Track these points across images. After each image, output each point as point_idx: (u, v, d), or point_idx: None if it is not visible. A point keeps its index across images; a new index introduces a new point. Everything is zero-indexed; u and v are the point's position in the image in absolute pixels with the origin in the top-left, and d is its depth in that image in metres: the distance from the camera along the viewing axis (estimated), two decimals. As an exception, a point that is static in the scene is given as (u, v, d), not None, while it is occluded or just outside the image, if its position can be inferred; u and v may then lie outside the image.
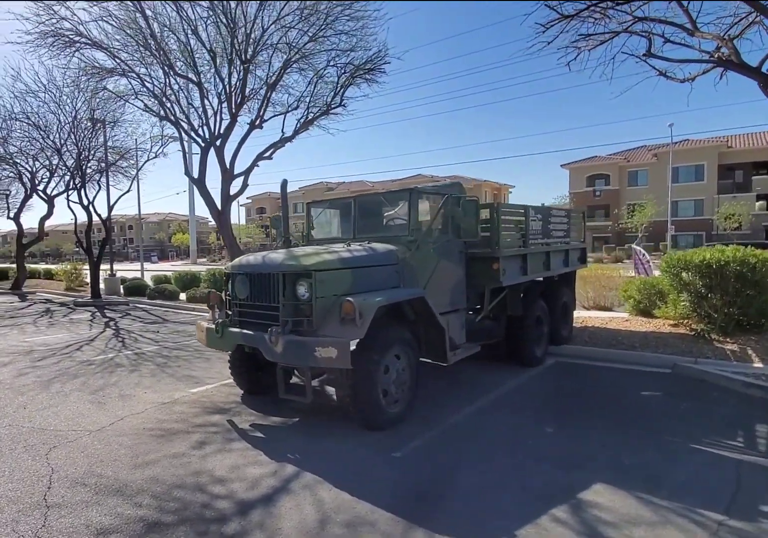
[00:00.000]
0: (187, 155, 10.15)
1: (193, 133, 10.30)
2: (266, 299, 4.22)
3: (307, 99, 10.63)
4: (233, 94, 9.30)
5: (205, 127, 9.61)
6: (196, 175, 10.40)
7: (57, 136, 13.45)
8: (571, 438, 3.91)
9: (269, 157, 11.49)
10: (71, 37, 7.57)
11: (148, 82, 9.05)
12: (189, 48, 8.33)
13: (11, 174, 18.57)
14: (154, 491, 3.08)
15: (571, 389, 5.30)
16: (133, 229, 75.78)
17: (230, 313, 4.66)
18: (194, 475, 3.31)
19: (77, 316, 12.18)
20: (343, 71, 10.22)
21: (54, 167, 15.49)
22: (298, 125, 10.69)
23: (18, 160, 16.59)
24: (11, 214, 19.86)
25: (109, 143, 13.72)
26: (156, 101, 9.29)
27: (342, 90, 10.62)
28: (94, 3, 7.20)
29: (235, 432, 4.13)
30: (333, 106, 10.73)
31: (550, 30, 6.45)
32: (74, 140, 13.19)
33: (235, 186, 10.69)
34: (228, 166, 10.03)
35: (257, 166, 11.06)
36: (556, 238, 7.37)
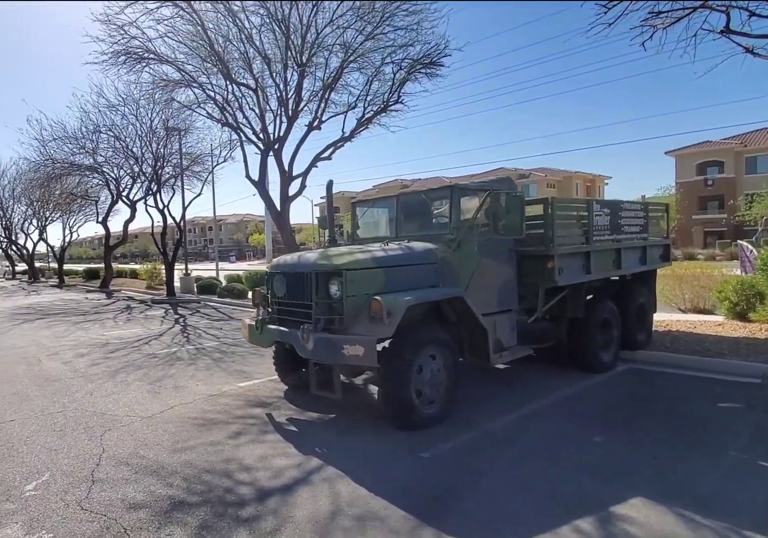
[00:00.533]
0: (247, 159, 10.95)
1: (254, 137, 11.05)
2: (301, 297, 4.48)
3: (366, 98, 10.94)
4: (290, 97, 9.86)
5: (263, 132, 10.26)
6: (256, 177, 11.16)
7: (136, 145, 15.16)
8: (619, 449, 3.70)
9: (328, 158, 11.98)
10: (140, 54, 8.56)
11: (210, 91, 9.95)
12: (247, 56, 8.98)
13: (100, 182, 21.07)
14: (185, 474, 3.42)
15: (636, 398, 4.99)
16: (213, 231, 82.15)
17: (270, 311, 4.99)
18: (224, 462, 3.62)
19: (152, 312, 13.56)
20: (399, 67, 10.38)
21: (135, 174, 17.38)
22: (356, 125, 11.03)
23: (105, 169, 18.77)
24: (100, 219, 22.58)
25: (183, 150, 15.17)
26: (217, 109, 10.15)
27: (399, 87, 10.79)
28: (160, 19, 8.10)
29: (271, 425, 4.42)
30: (390, 103, 10.93)
31: (613, 10, 6.05)
32: (150, 149, 14.75)
33: (295, 187, 11.30)
34: (287, 168, 10.63)
35: (316, 166, 11.60)
36: (630, 234, 6.92)
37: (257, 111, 10.16)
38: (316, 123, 10.71)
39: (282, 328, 4.57)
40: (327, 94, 10.39)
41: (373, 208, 6.18)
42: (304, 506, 2.96)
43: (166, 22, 8.11)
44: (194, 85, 9.65)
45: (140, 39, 8.34)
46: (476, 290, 5.01)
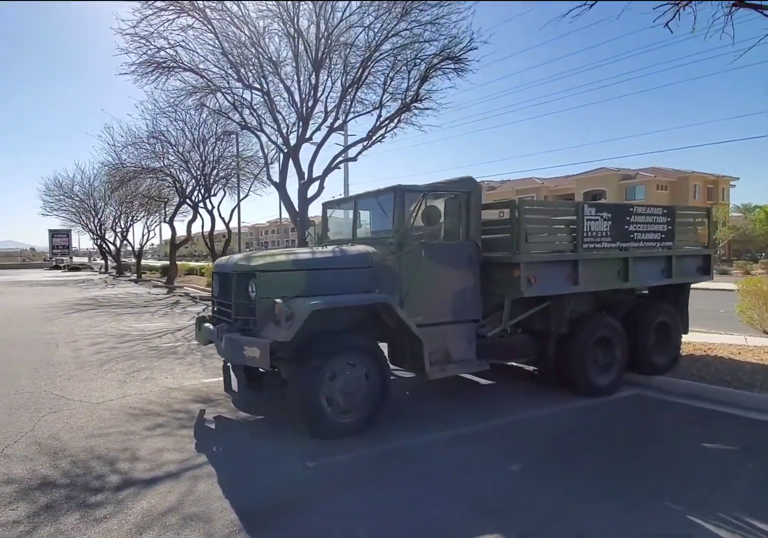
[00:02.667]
0: (268, 161, 11.47)
1: (280, 138, 11.57)
2: (227, 297, 4.66)
3: (382, 96, 11.02)
4: (304, 100, 10.21)
5: (278, 135, 10.73)
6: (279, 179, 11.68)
7: (186, 149, 16.57)
8: (528, 484, 3.39)
9: (353, 159, 12.21)
10: (164, 63, 9.37)
11: (230, 95, 10.59)
12: (260, 59, 9.47)
13: (169, 184, 23.17)
14: (78, 458, 3.73)
15: (610, 430, 4.49)
16: (275, 232, 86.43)
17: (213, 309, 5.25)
18: (121, 451, 3.89)
19: (193, 308, 14.64)
20: (416, 64, 10.34)
21: (195, 177, 18.93)
22: (377, 124, 11.14)
23: (169, 172, 20.59)
24: (167, 219, 24.85)
25: (227, 153, 16.28)
26: (236, 113, 10.80)
27: (420, 83, 10.72)
28: (178, 31, 8.84)
29: (195, 421, 4.64)
30: (414, 100, 10.90)
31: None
32: (198, 152, 16.03)
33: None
34: (305, 170, 11.02)
35: (338, 168, 11.86)
36: (645, 242, 6.28)
37: (272, 114, 10.62)
38: (336, 124, 10.97)
39: (212, 326, 4.79)
40: (346, 94, 10.61)
41: (339, 209, 6.23)
42: (150, 500, 3.10)
43: (178, 32, 8.84)
44: (213, 90, 10.38)
45: (165, 49, 9.16)
46: (421, 297, 4.87)
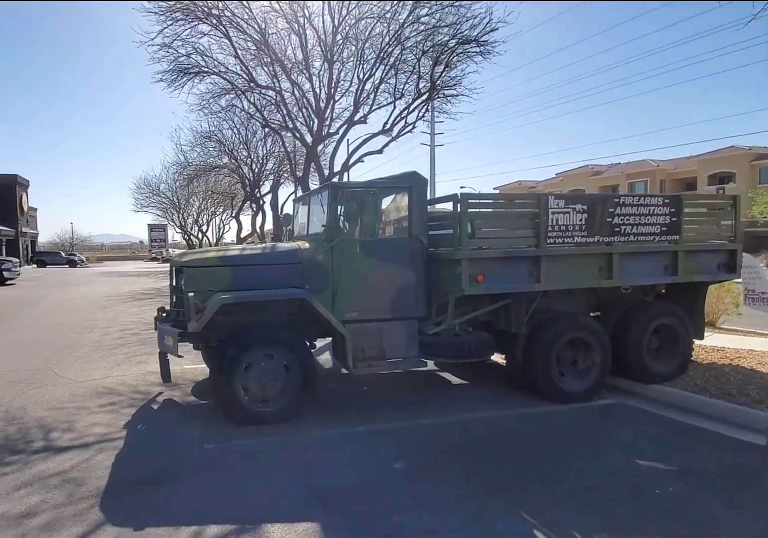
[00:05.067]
0: (291, 158, 12.03)
1: (308, 136, 12.12)
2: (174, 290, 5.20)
3: (406, 85, 11.09)
4: (318, 97, 10.59)
5: (294, 131, 11.21)
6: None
7: (236, 148, 17.84)
8: (392, 493, 3.49)
9: (378, 152, 12.43)
10: (191, 70, 10.23)
11: (250, 96, 11.26)
12: (271, 59, 9.96)
13: (236, 180, 25.00)
14: (24, 425, 4.51)
15: (550, 445, 4.21)
16: None
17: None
18: (62, 422, 4.60)
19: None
20: (435, 51, 10.25)
21: (247, 174, 20.31)
22: (397, 115, 11.25)
23: (233, 168, 22.21)
24: (233, 213, 26.86)
25: (272, 151, 17.27)
26: (258, 112, 11.46)
27: (441, 70, 10.65)
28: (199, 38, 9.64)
29: (146, 402, 5.27)
30: (429, 89, 10.86)
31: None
32: (247, 149, 17.22)
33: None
34: (328, 166, 11.44)
35: (362, 161, 12.18)
36: (636, 236, 5.87)
37: (282, 113, 11.15)
38: (356, 118, 11.25)
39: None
40: (363, 87, 10.84)
41: (304, 205, 6.52)
42: (50, 463, 3.73)
43: (196, 39, 9.62)
44: (235, 91, 11.13)
45: (188, 56, 10.01)
46: (356, 293, 5.05)
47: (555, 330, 5.52)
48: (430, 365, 6.77)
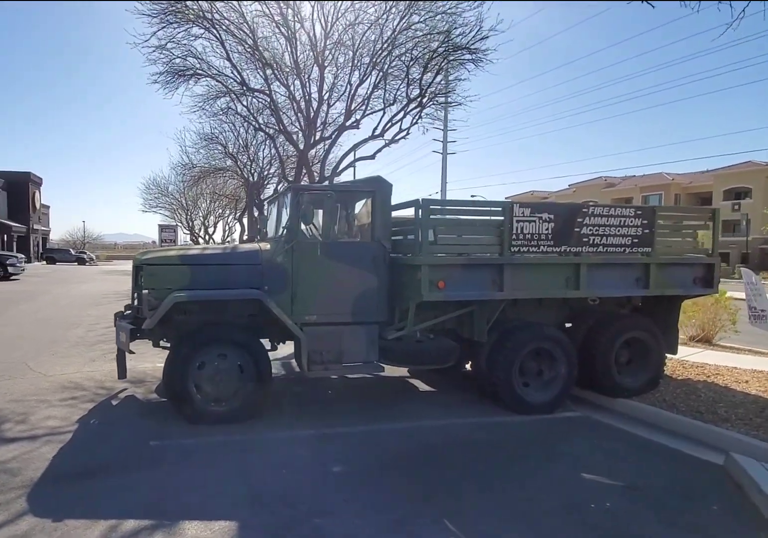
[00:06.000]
0: (283, 162, 12.15)
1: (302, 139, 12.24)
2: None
3: (398, 92, 11.18)
4: (309, 102, 10.70)
5: (283, 134, 11.34)
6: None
7: (236, 150, 18.09)
8: (320, 495, 3.52)
9: (371, 157, 12.52)
10: (185, 72, 10.42)
11: (244, 99, 11.43)
12: (262, 64, 10.10)
13: (240, 183, 25.22)
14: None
15: (494, 455, 4.19)
16: None
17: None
18: (19, 414, 4.69)
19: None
20: (425, 58, 10.33)
21: (247, 177, 20.52)
22: (388, 121, 11.34)
23: (236, 171, 22.42)
24: (236, 216, 27.07)
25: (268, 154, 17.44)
26: (251, 115, 11.63)
27: (432, 77, 10.73)
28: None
29: (108, 398, 5.34)
30: (419, 95, 10.95)
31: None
32: (247, 153, 17.44)
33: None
34: (319, 171, 11.55)
35: (353, 166, 12.26)
36: (605, 247, 5.85)
37: (276, 117, 11.28)
38: (349, 123, 11.35)
39: None
40: (356, 93, 10.94)
41: (274, 207, 6.60)
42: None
43: (189, 41, 9.81)
44: (229, 94, 11.32)
45: (181, 58, 10.20)
46: (315, 295, 5.09)
47: (517, 339, 5.51)
48: (402, 371, 6.79)
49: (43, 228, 50.51)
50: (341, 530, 2.96)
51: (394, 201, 5.48)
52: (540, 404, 5.50)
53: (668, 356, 6.40)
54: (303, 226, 5.20)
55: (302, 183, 11.40)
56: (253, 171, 18.76)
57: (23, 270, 23.12)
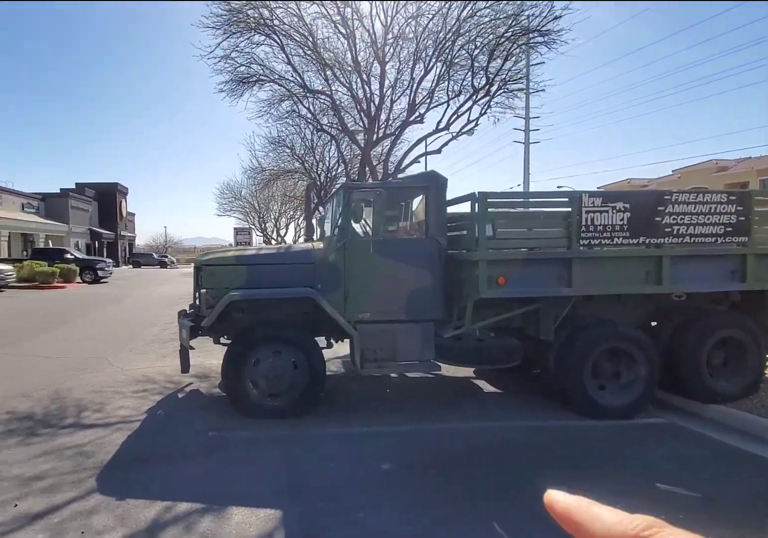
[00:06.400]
0: (346, 161, 12.45)
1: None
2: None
3: (464, 82, 11.11)
4: (370, 99, 10.88)
5: (344, 133, 11.58)
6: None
7: (303, 152, 18.83)
8: (362, 493, 3.65)
9: (437, 151, 12.53)
10: (248, 79, 11.03)
11: (306, 99, 11.86)
12: (322, 65, 10.41)
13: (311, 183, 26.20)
14: (64, 404, 5.22)
15: (551, 462, 4.05)
16: None
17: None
18: (96, 404, 5.26)
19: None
20: (475, 47, 10.20)
21: (315, 179, 21.27)
22: (452, 115, 11.28)
23: (305, 172, 23.37)
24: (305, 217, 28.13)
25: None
26: (313, 117, 12.05)
27: (500, 63, 10.55)
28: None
29: (174, 391, 5.84)
30: (486, 84, 10.80)
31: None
32: (313, 154, 18.08)
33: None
34: (382, 169, 11.75)
35: (418, 162, 12.32)
36: (693, 238, 5.49)
37: (338, 117, 11.58)
38: (413, 118, 11.42)
39: None
40: (418, 86, 11.00)
41: (330, 206, 6.83)
42: (72, 437, 4.34)
43: (251, 49, 10.39)
44: (291, 97, 11.80)
45: (249, 66, 10.84)
46: (369, 293, 5.23)
47: (588, 338, 5.32)
48: (467, 372, 6.77)
49: (129, 234, 55.62)
50: (380, 525, 3.06)
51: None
52: (616, 408, 5.27)
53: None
54: (356, 225, 5.36)
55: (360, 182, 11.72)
56: (320, 172, 19.43)
57: (111, 274, 25.61)
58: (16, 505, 3.20)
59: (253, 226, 47.74)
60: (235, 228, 63.04)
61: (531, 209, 5.51)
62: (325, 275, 5.21)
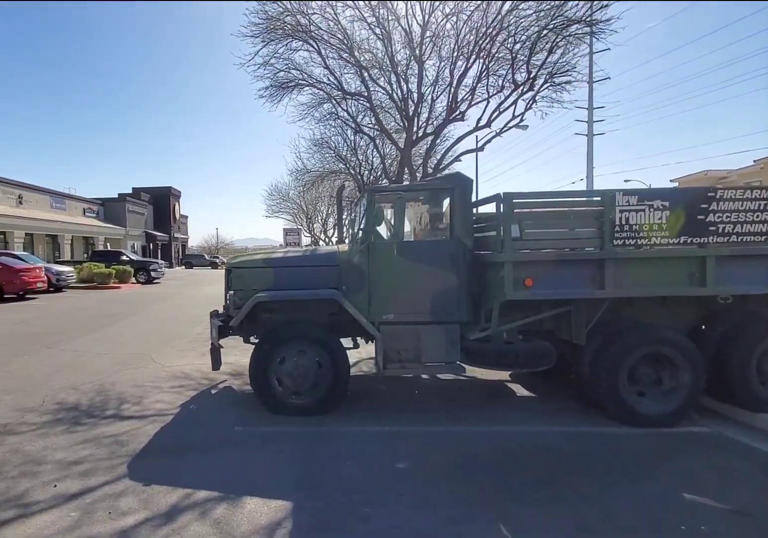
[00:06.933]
0: (384, 161, 12.63)
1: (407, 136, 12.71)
2: None
3: (505, 77, 11.08)
4: (406, 98, 11.02)
5: (383, 134, 11.76)
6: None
7: (345, 152, 19.21)
8: (375, 490, 3.82)
9: (479, 149, 12.54)
10: (287, 84, 11.44)
11: (344, 101, 12.14)
12: (359, 66, 10.64)
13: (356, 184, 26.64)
14: (108, 397, 5.70)
15: (618, 475, 3.94)
16: None
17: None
18: (136, 397, 5.72)
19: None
20: (513, 42, 10.13)
21: (357, 178, 21.62)
22: (493, 112, 11.26)
23: (351, 173, 23.79)
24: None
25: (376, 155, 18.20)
26: (351, 119, 12.33)
27: (545, 56, 10.45)
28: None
29: (208, 387, 6.23)
30: (530, 77, 10.71)
31: None
32: (356, 154, 18.43)
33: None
34: (421, 169, 11.88)
35: (459, 160, 12.36)
36: (740, 236, 5.32)
37: (375, 118, 11.79)
38: (453, 116, 11.48)
39: None
40: (459, 84, 11.03)
41: (355, 209, 7.03)
42: (110, 427, 4.76)
43: (289, 55, 10.77)
44: (330, 100, 12.13)
45: (292, 71, 11.24)
46: (393, 295, 5.40)
47: (624, 342, 5.25)
48: (502, 375, 6.80)
49: (182, 236, 58.48)
50: (389, 520, 3.21)
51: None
52: (657, 416, 5.18)
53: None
54: (383, 227, 5.55)
55: (404, 183, 11.89)
56: (363, 172, 19.79)
57: (163, 274, 27.13)
58: (55, 486, 3.60)
59: (301, 227, 49.00)
60: (284, 229, 64.97)
61: (560, 209, 5.47)
62: (350, 276, 5.42)
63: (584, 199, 5.59)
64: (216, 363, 5.62)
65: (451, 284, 5.41)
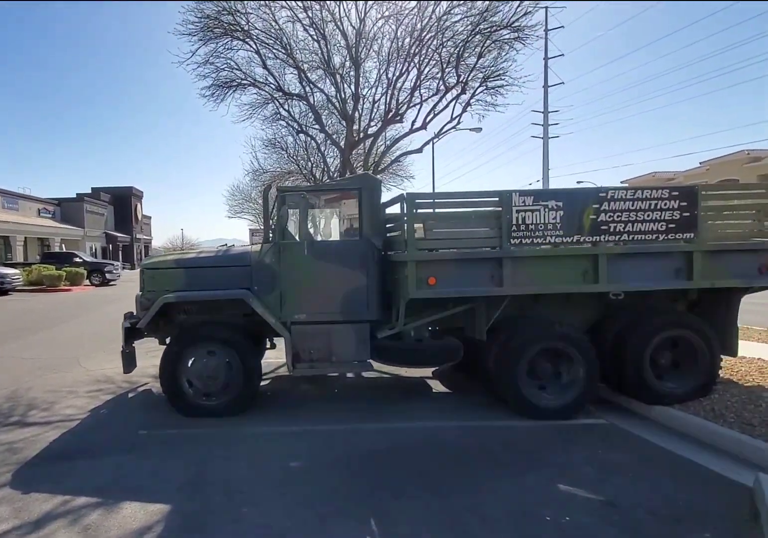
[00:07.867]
0: (327, 162, 12.67)
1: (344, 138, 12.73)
2: None
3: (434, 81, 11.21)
4: (344, 100, 11.06)
5: (324, 134, 11.81)
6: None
7: (299, 153, 19.16)
8: (268, 484, 3.84)
9: (418, 151, 12.66)
10: (228, 83, 11.32)
11: (286, 102, 12.12)
12: (298, 67, 10.63)
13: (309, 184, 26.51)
14: (18, 403, 5.55)
15: (501, 468, 4.06)
16: None
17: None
18: (47, 402, 5.57)
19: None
20: (442, 47, 10.29)
21: (309, 180, 21.55)
22: (428, 114, 11.40)
23: (305, 174, 23.66)
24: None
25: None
26: (293, 120, 12.35)
27: (476, 59, 10.61)
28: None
29: (126, 392, 6.12)
30: (459, 80, 10.87)
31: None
32: (306, 155, 18.39)
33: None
34: (362, 168, 11.93)
35: (399, 162, 12.47)
36: (631, 235, 5.49)
37: (316, 118, 11.80)
38: (390, 116, 11.56)
39: None
40: (394, 86, 11.12)
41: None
42: (11, 434, 4.61)
43: (229, 54, 10.66)
44: (271, 100, 12.07)
45: (234, 70, 11.13)
46: (304, 295, 5.41)
47: (522, 338, 5.38)
48: (425, 372, 6.87)
49: (145, 237, 56.98)
50: (261, 520, 3.23)
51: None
52: (554, 409, 5.31)
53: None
54: (294, 228, 5.55)
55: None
56: (314, 172, 19.71)
57: (119, 276, 26.40)
58: (-70, 497, 3.48)
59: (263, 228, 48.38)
60: (250, 229, 63.89)
61: (461, 209, 5.58)
62: (262, 277, 5.40)
63: (484, 199, 5.69)
64: (127, 366, 5.52)
65: (361, 284, 5.45)
